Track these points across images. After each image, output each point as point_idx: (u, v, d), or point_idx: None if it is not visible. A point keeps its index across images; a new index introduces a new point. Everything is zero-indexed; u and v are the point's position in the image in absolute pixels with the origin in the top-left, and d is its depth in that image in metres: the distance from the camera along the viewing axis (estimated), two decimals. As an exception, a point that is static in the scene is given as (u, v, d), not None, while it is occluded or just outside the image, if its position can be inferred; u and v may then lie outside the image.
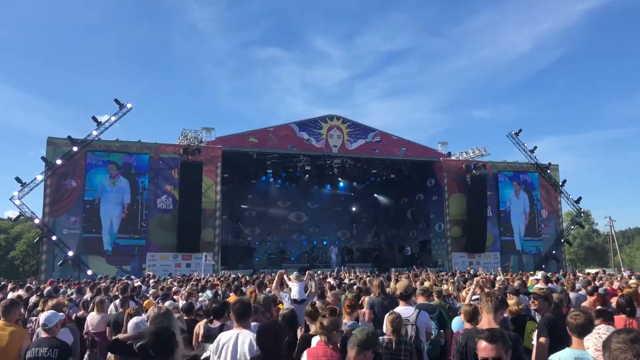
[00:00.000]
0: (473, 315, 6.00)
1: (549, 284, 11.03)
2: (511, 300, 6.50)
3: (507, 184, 35.09)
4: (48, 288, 13.04)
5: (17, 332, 5.38)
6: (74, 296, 11.41)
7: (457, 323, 6.95)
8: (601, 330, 2.98)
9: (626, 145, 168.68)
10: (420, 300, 6.53)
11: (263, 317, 7.02)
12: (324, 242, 38.63)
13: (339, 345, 4.33)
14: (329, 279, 14.71)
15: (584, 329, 3.84)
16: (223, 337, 4.49)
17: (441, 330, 6.14)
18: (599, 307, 6.28)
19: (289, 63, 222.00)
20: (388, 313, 5.36)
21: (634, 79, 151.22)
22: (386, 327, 5.12)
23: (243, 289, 11.64)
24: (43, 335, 5.10)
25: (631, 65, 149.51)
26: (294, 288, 8.58)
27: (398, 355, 4.86)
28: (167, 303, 7.92)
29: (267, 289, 10.77)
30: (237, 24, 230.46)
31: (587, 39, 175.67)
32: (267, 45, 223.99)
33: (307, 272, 9.64)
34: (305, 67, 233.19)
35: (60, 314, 5.79)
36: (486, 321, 3.95)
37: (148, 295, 11.36)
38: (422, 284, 9.36)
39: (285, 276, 9.75)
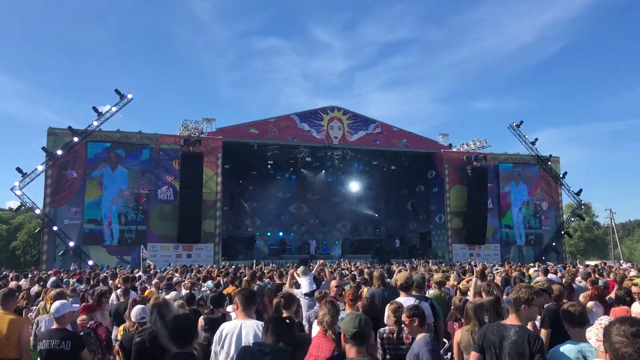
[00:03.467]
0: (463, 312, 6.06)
1: (549, 276, 11.02)
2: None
3: (510, 175, 35.05)
4: (53, 278, 13.04)
5: (17, 320, 5.38)
6: (82, 286, 11.44)
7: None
8: (603, 321, 2.97)
9: (628, 137, 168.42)
10: (413, 292, 6.51)
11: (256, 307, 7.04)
12: (313, 235, 38.61)
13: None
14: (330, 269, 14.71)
15: (584, 319, 3.84)
16: (226, 327, 4.45)
17: (431, 323, 6.12)
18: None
19: (289, 53, 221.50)
20: (389, 303, 5.36)
21: (637, 71, 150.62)
22: (388, 317, 5.12)
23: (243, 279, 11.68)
24: (53, 325, 5.07)
25: (634, 57, 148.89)
26: (303, 282, 8.62)
27: (400, 344, 4.88)
28: (172, 294, 7.93)
29: (266, 280, 10.82)
30: (237, 13, 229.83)
31: (590, 29, 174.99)
32: (267, 35, 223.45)
33: (319, 262, 9.67)
34: (305, 58, 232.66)
35: (71, 304, 5.79)
36: (510, 317, 3.87)
37: (147, 285, 11.38)
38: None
39: (295, 274, 9.79)
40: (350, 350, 3.33)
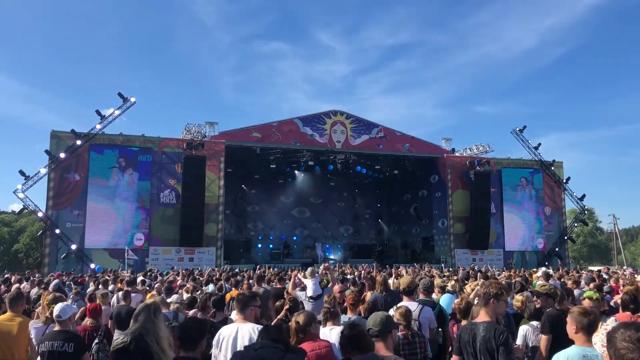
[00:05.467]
0: (465, 312, 6.00)
1: (550, 281, 10.96)
2: (519, 296, 6.49)
3: (513, 180, 34.97)
4: (55, 281, 13.04)
5: (26, 322, 5.40)
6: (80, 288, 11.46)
7: (446, 300, 6.90)
8: (608, 326, 2.94)
9: (631, 142, 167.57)
10: (421, 296, 6.49)
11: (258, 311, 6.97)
12: (317, 239, 38.52)
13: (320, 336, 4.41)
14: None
15: (591, 325, 3.82)
16: (224, 330, 4.45)
17: (439, 329, 6.08)
18: (604, 308, 6.20)
19: (292, 57, 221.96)
20: (396, 307, 5.33)
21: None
22: (397, 321, 5.11)
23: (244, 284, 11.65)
24: (56, 327, 5.05)
25: (637, 61, 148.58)
26: (309, 284, 8.44)
27: (415, 348, 4.93)
28: (174, 297, 7.90)
29: (272, 284, 10.76)
30: (240, 17, 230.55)
31: (593, 34, 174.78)
32: (270, 39, 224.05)
33: (323, 265, 9.59)
34: (308, 62, 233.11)
35: (74, 306, 5.78)
36: (480, 315, 3.99)
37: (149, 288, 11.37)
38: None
39: (299, 275, 9.67)
40: (377, 347, 3.57)
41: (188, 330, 3.56)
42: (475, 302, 6.28)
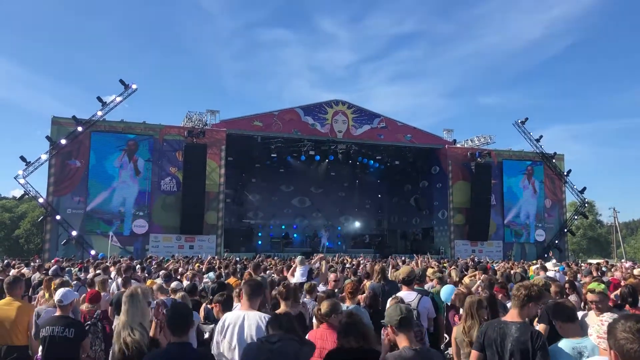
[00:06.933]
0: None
1: (548, 273, 10.99)
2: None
3: (514, 172, 34.95)
4: (54, 267, 13.09)
5: (24, 307, 5.44)
6: (82, 275, 11.51)
7: (447, 292, 6.89)
8: (605, 318, 2.96)
9: (633, 135, 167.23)
10: (415, 286, 6.52)
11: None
12: (323, 227, 38.59)
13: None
14: (331, 264, 14.71)
15: (575, 315, 3.88)
16: (229, 317, 4.38)
17: (432, 317, 6.11)
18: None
19: (295, 45, 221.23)
20: (391, 297, 5.35)
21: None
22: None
23: (245, 272, 11.70)
24: (57, 312, 5.08)
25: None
26: (297, 272, 8.61)
27: None
28: (173, 284, 7.95)
29: (268, 272, 10.83)
30: (243, 3, 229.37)
31: (599, 25, 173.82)
32: (274, 26, 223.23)
33: (317, 256, 9.70)
34: (311, 50, 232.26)
35: (76, 292, 5.82)
36: (511, 314, 3.91)
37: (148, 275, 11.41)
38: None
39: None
40: (401, 340, 3.42)
41: (172, 318, 3.61)
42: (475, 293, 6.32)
